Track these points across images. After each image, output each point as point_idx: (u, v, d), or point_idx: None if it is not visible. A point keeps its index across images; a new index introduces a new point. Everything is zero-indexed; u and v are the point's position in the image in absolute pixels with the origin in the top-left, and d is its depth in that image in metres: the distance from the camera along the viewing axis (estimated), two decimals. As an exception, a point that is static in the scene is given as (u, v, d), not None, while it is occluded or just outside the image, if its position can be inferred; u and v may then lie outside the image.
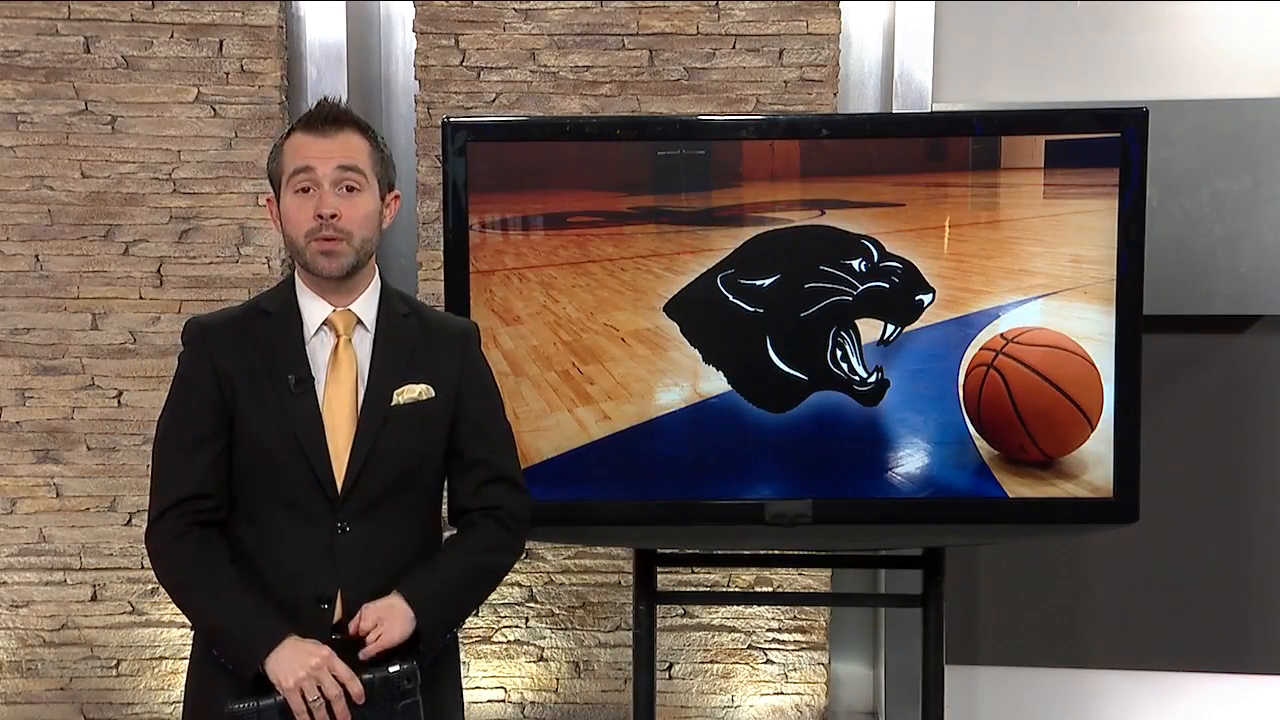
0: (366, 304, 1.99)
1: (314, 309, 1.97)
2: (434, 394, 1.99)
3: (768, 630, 3.44)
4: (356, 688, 1.83)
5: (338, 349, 1.96)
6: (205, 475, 1.92)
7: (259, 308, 2.01)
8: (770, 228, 2.60)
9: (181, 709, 2.05)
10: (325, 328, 1.97)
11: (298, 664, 1.81)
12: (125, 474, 3.38)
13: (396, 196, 2.04)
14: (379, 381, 1.96)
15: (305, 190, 1.92)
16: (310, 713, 1.81)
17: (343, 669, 1.83)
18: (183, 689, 3.37)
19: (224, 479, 1.95)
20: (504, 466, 2.08)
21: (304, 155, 1.92)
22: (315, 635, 1.88)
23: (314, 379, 1.94)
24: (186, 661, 3.36)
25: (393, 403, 1.96)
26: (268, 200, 2.01)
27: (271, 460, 1.91)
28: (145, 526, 1.95)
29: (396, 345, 1.99)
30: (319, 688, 1.81)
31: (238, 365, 1.94)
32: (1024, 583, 3.46)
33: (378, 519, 1.94)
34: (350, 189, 1.93)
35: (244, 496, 1.95)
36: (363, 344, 1.98)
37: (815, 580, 3.39)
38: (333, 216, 1.90)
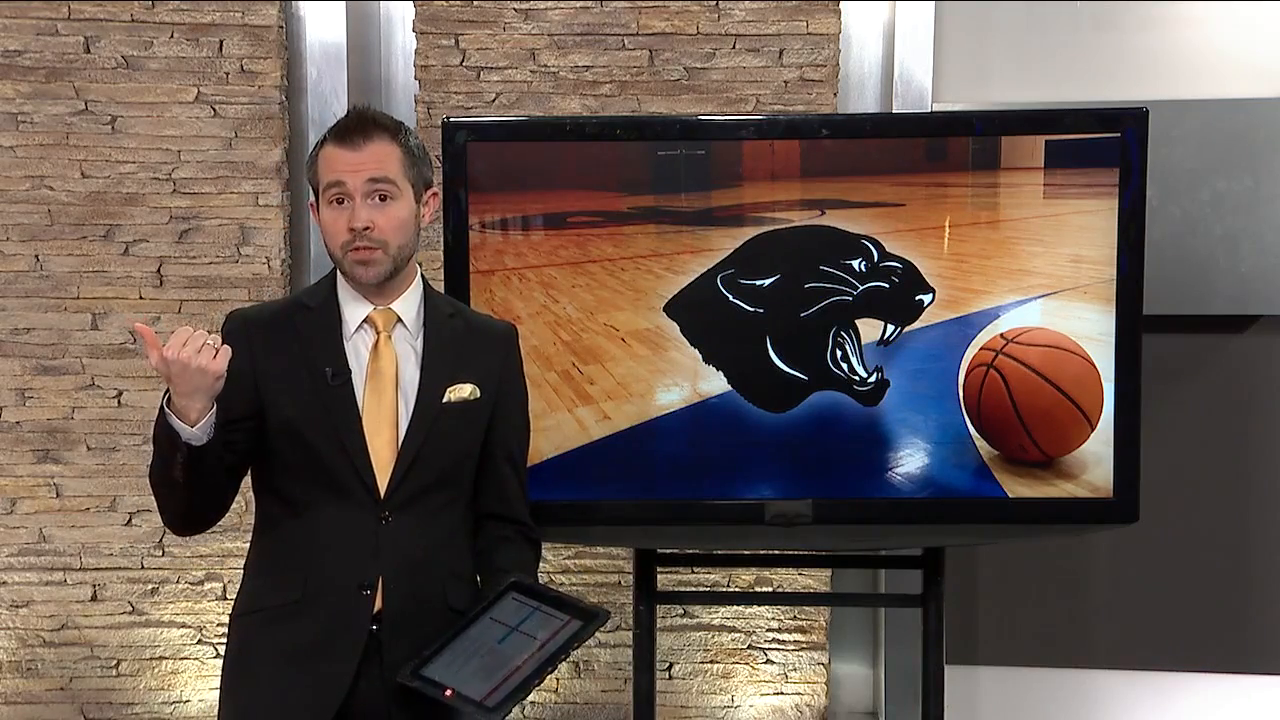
0: (407, 304, 2.03)
1: (355, 307, 2.01)
2: (480, 394, 2.04)
3: (768, 630, 3.44)
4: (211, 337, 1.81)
5: (378, 345, 1.99)
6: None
7: (300, 303, 2.06)
8: (770, 228, 2.60)
9: (219, 691, 2.06)
10: (366, 325, 2.01)
11: (173, 383, 1.80)
12: (125, 474, 3.38)
13: (435, 194, 2.08)
14: (431, 379, 2.00)
15: (339, 202, 1.96)
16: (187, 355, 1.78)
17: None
18: (182, 689, 3.41)
19: (236, 456, 1.96)
20: (524, 471, 2.16)
21: (335, 169, 1.95)
22: (354, 621, 1.92)
23: (351, 374, 1.98)
24: (186, 661, 3.41)
25: (444, 399, 2.00)
26: (310, 204, 2.05)
27: (311, 451, 1.95)
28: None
29: (445, 345, 2.04)
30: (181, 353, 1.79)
31: (276, 357, 1.98)
32: (1024, 583, 3.46)
33: (420, 511, 1.98)
34: (383, 198, 1.96)
35: (286, 484, 1.99)
36: (402, 342, 2.02)
37: (815, 580, 3.39)
38: (365, 229, 1.94)
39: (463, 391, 2.02)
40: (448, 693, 1.81)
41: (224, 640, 2.16)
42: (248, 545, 2.10)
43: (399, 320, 2.02)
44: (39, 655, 3.44)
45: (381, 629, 1.94)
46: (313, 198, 2.03)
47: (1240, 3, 3.30)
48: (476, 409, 2.04)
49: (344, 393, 1.96)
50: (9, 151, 3.33)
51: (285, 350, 1.98)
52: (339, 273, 2.03)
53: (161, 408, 1.83)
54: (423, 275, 2.10)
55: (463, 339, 2.06)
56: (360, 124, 1.97)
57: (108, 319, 3.37)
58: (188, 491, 1.88)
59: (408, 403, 1.99)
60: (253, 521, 2.08)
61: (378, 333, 2.00)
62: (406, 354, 2.02)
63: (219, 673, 2.06)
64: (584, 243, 2.60)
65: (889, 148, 2.63)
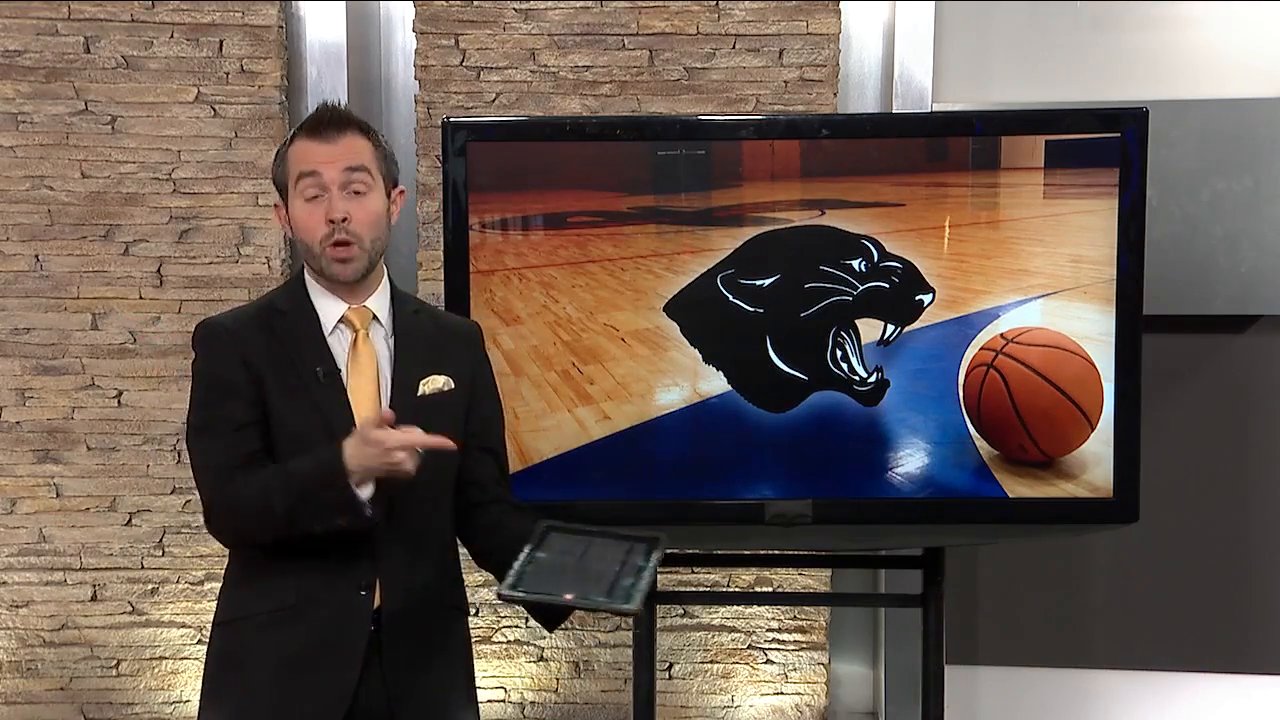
0: (379, 301, 2.03)
1: (329, 307, 2.00)
2: (454, 385, 2.04)
3: (768, 630, 3.44)
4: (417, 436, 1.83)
5: (356, 343, 1.99)
6: (256, 452, 1.93)
7: (272, 306, 2.03)
8: (770, 228, 2.60)
9: (199, 698, 2.04)
10: (342, 324, 2.00)
11: (366, 455, 1.81)
12: (125, 474, 3.38)
13: (401, 192, 2.07)
14: (404, 374, 2.00)
15: (314, 197, 1.94)
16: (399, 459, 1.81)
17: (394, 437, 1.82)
18: (182, 689, 3.41)
19: (269, 460, 1.95)
20: (505, 458, 2.18)
21: (309, 160, 1.94)
22: (355, 623, 1.92)
23: (340, 372, 1.98)
24: (186, 661, 3.41)
25: (419, 393, 2.00)
26: (275, 206, 2.02)
27: (308, 452, 1.92)
28: (203, 519, 1.96)
29: (415, 340, 2.04)
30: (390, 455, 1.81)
31: (264, 360, 1.96)
32: (1024, 583, 3.46)
33: (411, 506, 1.97)
34: (357, 191, 1.95)
35: None
36: (378, 339, 2.02)
37: (815, 580, 3.39)
38: (343, 220, 1.93)
39: (436, 383, 2.02)
40: (567, 596, 1.77)
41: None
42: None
43: (374, 318, 2.02)
44: (39, 655, 3.44)
45: (381, 629, 1.94)
46: (278, 199, 2.01)
47: (1240, 3, 3.30)
48: (453, 401, 2.04)
49: (335, 391, 1.96)
50: (9, 151, 3.33)
51: (269, 354, 1.96)
52: (308, 273, 2.02)
53: (346, 482, 1.82)
54: (388, 273, 2.09)
55: (432, 335, 2.06)
56: (333, 118, 1.96)
57: (108, 319, 3.37)
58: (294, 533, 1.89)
59: (387, 399, 1.99)
60: None
61: (355, 331, 1.99)
62: (382, 352, 2.01)
63: None
64: (584, 243, 2.60)
65: (889, 148, 2.63)
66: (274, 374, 1.95)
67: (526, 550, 1.85)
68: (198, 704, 2.05)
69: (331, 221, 1.93)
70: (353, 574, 1.93)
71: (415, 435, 1.83)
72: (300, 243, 1.98)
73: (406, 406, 1.97)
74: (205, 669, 2.03)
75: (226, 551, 2.06)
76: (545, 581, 1.80)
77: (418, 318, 2.07)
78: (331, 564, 1.93)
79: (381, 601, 1.94)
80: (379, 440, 1.81)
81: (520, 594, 1.78)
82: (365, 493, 1.84)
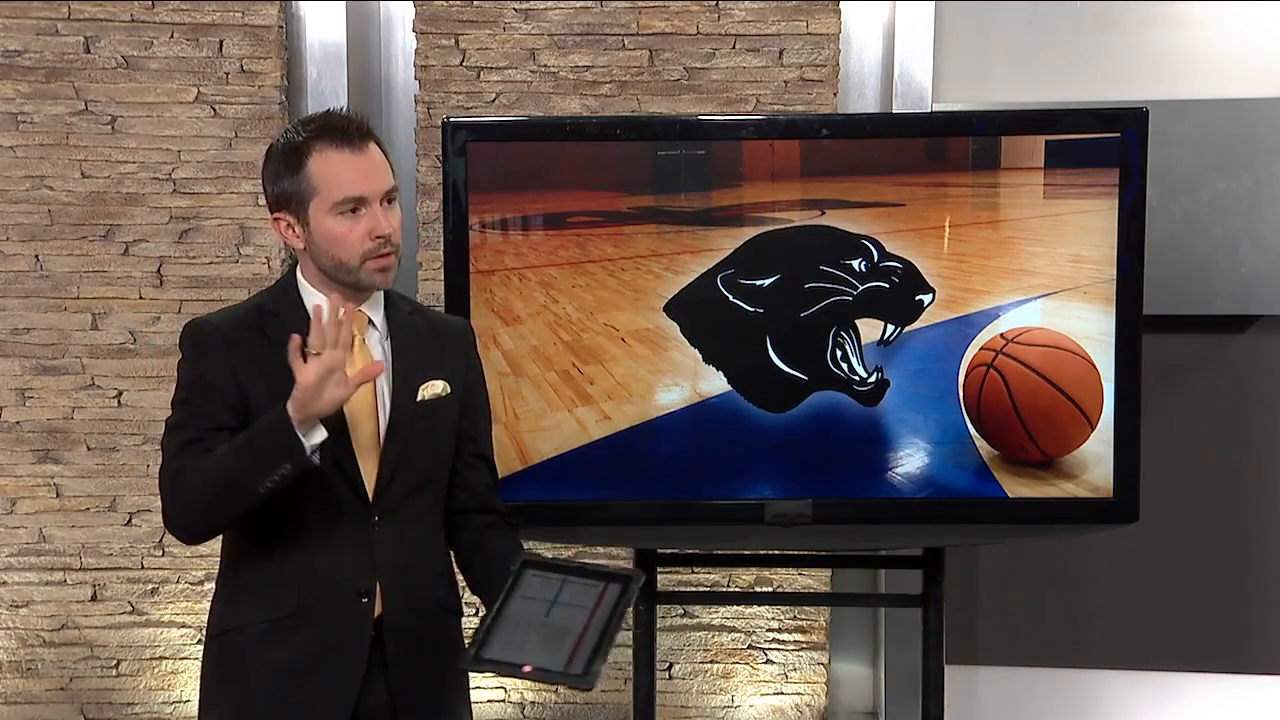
0: (374, 304, 2.01)
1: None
2: (450, 390, 2.02)
3: (768, 630, 3.44)
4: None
5: (353, 349, 1.96)
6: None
7: (263, 307, 2.00)
8: (770, 228, 2.60)
9: (198, 698, 2.03)
10: None
11: (297, 400, 1.78)
12: (125, 474, 3.38)
13: None
14: (403, 379, 1.98)
15: (352, 210, 1.90)
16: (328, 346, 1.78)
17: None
18: (182, 689, 3.41)
19: None
20: (494, 464, 2.15)
21: (348, 176, 1.89)
22: (356, 629, 1.91)
23: None
24: (186, 661, 3.41)
25: (418, 399, 1.98)
26: (276, 219, 1.95)
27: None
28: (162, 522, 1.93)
29: (412, 344, 2.02)
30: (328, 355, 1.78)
31: (255, 364, 1.92)
32: (1024, 583, 3.46)
33: (407, 513, 1.96)
34: (389, 201, 1.94)
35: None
36: (374, 344, 2.00)
37: (815, 580, 3.39)
38: (390, 235, 1.92)
39: (435, 388, 2.00)
40: (526, 668, 1.74)
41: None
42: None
43: (369, 323, 1.99)
44: (39, 655, 3.44)
45: (383, 636, 1.93)
46: (281, 212, 1.94)
47: (1240, 3, 3.30)
48: (448, 406, 2.02)
49: None
50: (9, 151, 3.33)
51: (261, 357, 1.92)
52: (303, 276, 1.98)
53: (287, 421, 1.78)
54: None
55: (426, 338, 2.04)
56: (359, 128, 1.93)
57: (108, 319, 3.37)
58: (247, 507, 1.84)
59: (384, 405, 1.97)
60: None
61: (351, 336, 1.94)
62: (379, 356, 1.98)
63: None
64: (584, 243, 2.60)
65: (889, 148, 2.63)
66: (266, 379, 1.91)
67: (499, 601, 1.80)
68: (196, 714, 2.04)
69: (380, 237, 1.89)
70: (352, 581, 1.92)
71: (331, 359, 1.77)
72: (328, 256, 1.92)
73: (405, 411, 1.96)
74: (202, 680, 2.02)
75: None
76: (508, 643, 1.76)
77: (412, 318, 2.05)
78: (330, 571, 1.91)
79: (382, 608, 1.93)
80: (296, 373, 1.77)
81: (478, 666, 1.76)
82: (315, 439, 1.80)
